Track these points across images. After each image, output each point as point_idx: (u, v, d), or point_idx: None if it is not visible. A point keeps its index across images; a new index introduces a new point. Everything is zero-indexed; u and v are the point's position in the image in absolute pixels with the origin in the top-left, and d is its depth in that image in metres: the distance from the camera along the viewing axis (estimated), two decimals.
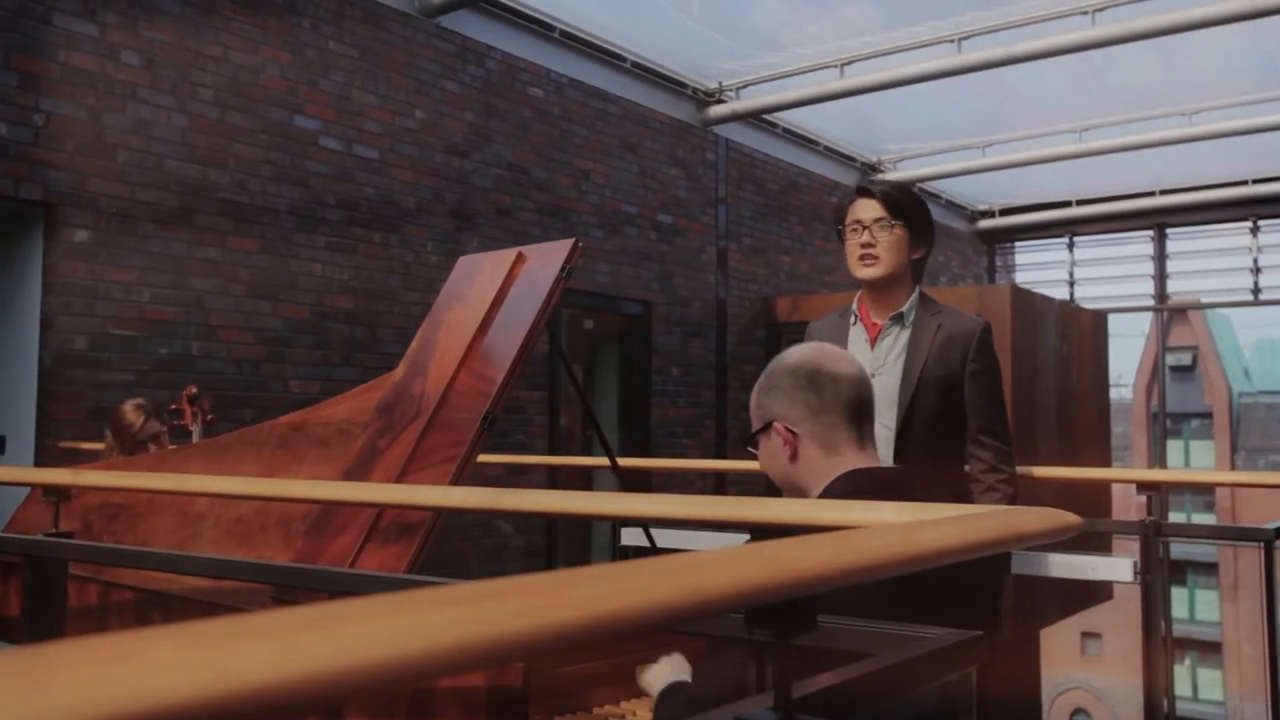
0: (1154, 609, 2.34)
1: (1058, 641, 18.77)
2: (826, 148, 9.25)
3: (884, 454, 2.46)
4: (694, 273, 7.89)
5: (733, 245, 8.27)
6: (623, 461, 7.66)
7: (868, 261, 2.46)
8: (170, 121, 4.83)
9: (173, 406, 3.57)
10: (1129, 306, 11.57)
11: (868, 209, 2.48)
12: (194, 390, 3.58)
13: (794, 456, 1.63)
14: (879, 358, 2.49)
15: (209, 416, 3.59)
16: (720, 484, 7.54)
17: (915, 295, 2.51)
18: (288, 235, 5.28)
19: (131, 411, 3.67)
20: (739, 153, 8.36)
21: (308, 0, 5.40)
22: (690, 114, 7.89)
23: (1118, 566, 2.46)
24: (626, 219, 7.32)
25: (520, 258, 2.20)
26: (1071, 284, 11.66)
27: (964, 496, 2.44)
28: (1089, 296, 11.40)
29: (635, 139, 7.40)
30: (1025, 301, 6.68)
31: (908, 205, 2.50)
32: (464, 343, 2.02)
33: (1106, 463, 7.82)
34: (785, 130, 8.70)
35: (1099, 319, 7.90)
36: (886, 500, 1.59)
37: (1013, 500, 2.43)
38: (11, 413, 4.52)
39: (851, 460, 1.61)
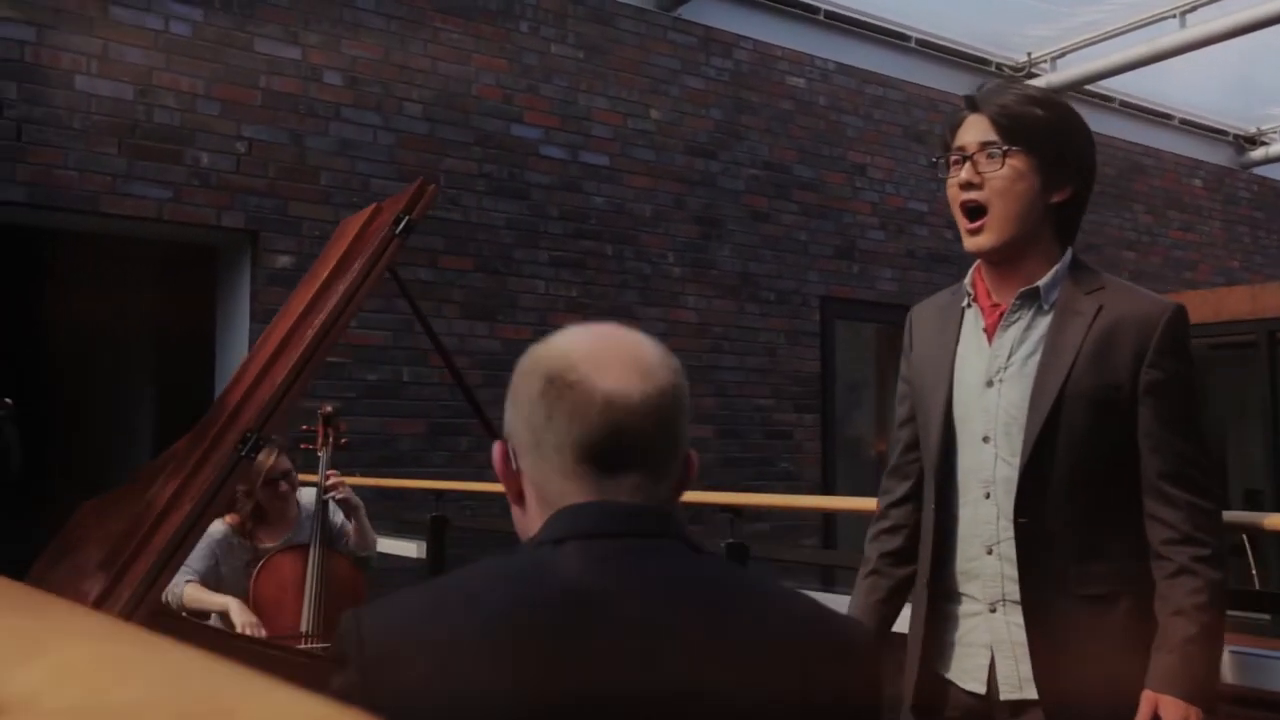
0: None
1: None
2: (1183, 120, 7.71)
3: (1003, 504, 1.52)
4: None
5: None
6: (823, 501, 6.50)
7: (973, 223, 1.54)
8: (375, 140, 4.69)
9: (305, 428, 3.29)
10: None
11: (973, 129, 1.57)
12: (329, 409, 3.29)
13: (519, 498, 0.96)
14: (998, 356, 1.56)
15: (342, 440, 3.27)
16: None
17: (1063, 262, 1.57)
18: (506, 251, 4.98)
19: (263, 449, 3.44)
20: None
21: (525, 3, 5.11)
22: None
23: None
24: (914, 217, 6.40)
25: (376, 210, 1.61)
26: None
27: (1142, 580, 1.48)
28: None
29: (923, 126, 6.48)
30: None
31: (1032, 122, 1.54)
32: (281, 335, 1.47)
33: None
34: (1123, 103, 7.32)
35: None
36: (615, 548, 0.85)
37: (1222, 591, 1.44)
38: None
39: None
